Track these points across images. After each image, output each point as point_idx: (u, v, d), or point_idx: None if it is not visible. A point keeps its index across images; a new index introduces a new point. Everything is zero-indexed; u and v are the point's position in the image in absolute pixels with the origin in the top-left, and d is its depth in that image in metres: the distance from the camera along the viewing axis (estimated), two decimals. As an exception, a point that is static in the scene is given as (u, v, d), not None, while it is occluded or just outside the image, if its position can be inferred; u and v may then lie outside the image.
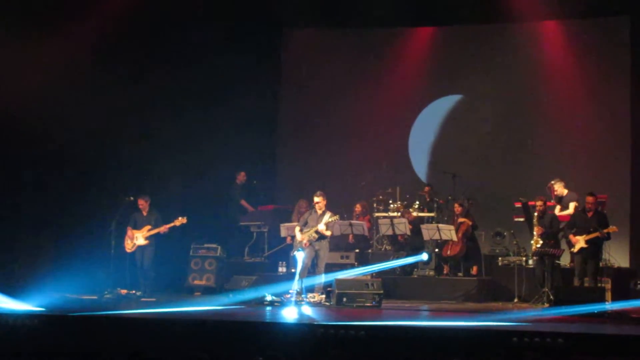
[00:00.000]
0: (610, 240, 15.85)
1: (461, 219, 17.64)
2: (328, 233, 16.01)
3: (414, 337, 11.33)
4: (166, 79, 18.23)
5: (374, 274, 16.76)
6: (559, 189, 17.28)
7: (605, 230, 15.31)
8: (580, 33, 19.79)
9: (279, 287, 15.79)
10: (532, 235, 16.19)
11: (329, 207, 16.14)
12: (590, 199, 15.62)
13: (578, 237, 15.47)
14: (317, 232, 15.84)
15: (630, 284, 16.27)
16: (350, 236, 17.94)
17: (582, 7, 19.05)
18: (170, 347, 11.26)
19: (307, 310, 14.64)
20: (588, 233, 15.35)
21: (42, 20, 16.51)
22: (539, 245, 15.87)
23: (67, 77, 16.70)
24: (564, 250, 16.22)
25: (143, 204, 16.90)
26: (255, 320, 13.08)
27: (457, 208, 17.82)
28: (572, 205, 16.85)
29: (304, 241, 15.84)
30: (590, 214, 15.58)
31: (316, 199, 16.09)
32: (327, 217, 15.90)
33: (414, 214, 18.45)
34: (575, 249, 15.55)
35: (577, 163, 19.27)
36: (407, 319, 13.74)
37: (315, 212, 16.09)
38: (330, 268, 16.47)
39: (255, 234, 19.23)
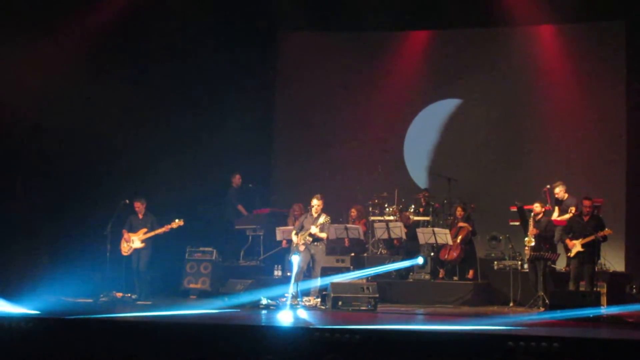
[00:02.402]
0: (606, 242, 15.75)
1: (462, 224, 17.63)
2: (323, 235, 16.00)
3: (410, 341, 11.32)
4: (162, 81, 18.25)
5: (369, 278, 16.72)
6: (561, 192, 17.25)
7: (600, 233, 15.30)
8: (575, 38, 19.83)
9: (275, 291, 15.79)
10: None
11: (325, 210, 16.14)
12: (587, 202, 15.65)
13: (575, 242, 15.47)
14: (310, 234, 15.84)
15: (625, 288, 16.31)
16: (346, 240, 17.93)
17: (578, 11, 19.06)
18: (166, 350, 11.25)
19: (303, 314, 14.63)
20: (584, 237, 15.35)
21: (38, 20, 16.47)
22: (532, 244, 15.90)
23: (62, 78, 16.66)
24: (559, 254, 16.22)
25: (139, 206, 16.87)
26: (250, 324, 13.05)
27: (460, 212, 17.80)
28: (571, 210, 16.84)
29: (299, 244, 15.85)
30: (586, 218, 15.59)
31: (315, 202, 16.05)
32: (322, 219, 15.90)
33: (412, 217, 18.45)
34: (572, 254, 15.54)
35: (573, 167, 19.27)
36: (403, 322, 13.75)
37: (311, 214, 16.08)
38: (326, 272, 16.47)
39: (250, 238, 19.21)
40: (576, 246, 15.42)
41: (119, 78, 17.28)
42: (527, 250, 16.12)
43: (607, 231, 15.33)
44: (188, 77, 18.94)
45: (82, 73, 17.05)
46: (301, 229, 16.06)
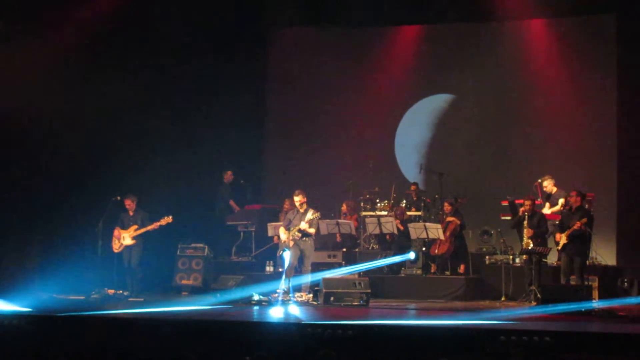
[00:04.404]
0: (594, 234, 15.70)
1: (450, 218, 17.63)
2: (312, 231, 15.93)
3: (402, 336, 11.34)
4: (153, 79, 18.22)
5: (361, 273, 16.76)
6: (549, 185, 17.31)
7: (578, 224, 15.11)
8: (567, 31, 19.83)
9: (267, 287, 15.77)
10: (518, 234, 16.21)
11: (312, 205, 16.12)
12: (573, 192, 15.66)
13: (561, 235, 15.47)
14: (299, 230, 15.82)
15: (617, 281, 16.33)
16: (338, 235, 17.95)
17: (569, 5, 19.12)
18: (158, 347, 11.24)
19: (295, 310, 14.61)
20: (569, 229, 15.34)
21: (34, 19, 16.45)
22: (530, 247, 15.87)
23: (55, 77, 16.64)
24: (550, 248, 16.23)
25: (130, 204, 16.85)
26: (242, 320, 13.06)
27: (447, 207, 17.79)
28: (560, 202, 16.88)
29: (288, 240, 15.82)
30: (572, 210, 15.58)
31: (296, 198, 16.05)
32: (310, 214, 15.87)
33: (406, 212, 18.47)
34: (559, 247, 15.55)
35: (564, 162, 19.29)
36: (395, 318, 13.76)
37: (298, 210, 16.06)
38: (318, 267, 16.47)
39: (242, 234, 19.22)
40: (562, 238, 15.41)
41: (109, 76, 17.25)
42: (525, 245, 16.04)
43: (577, 223, 15.15)
44: (178, 74, 18.90)
45: (74, 71, 17.06)
46: (289, 224, 16.04)
